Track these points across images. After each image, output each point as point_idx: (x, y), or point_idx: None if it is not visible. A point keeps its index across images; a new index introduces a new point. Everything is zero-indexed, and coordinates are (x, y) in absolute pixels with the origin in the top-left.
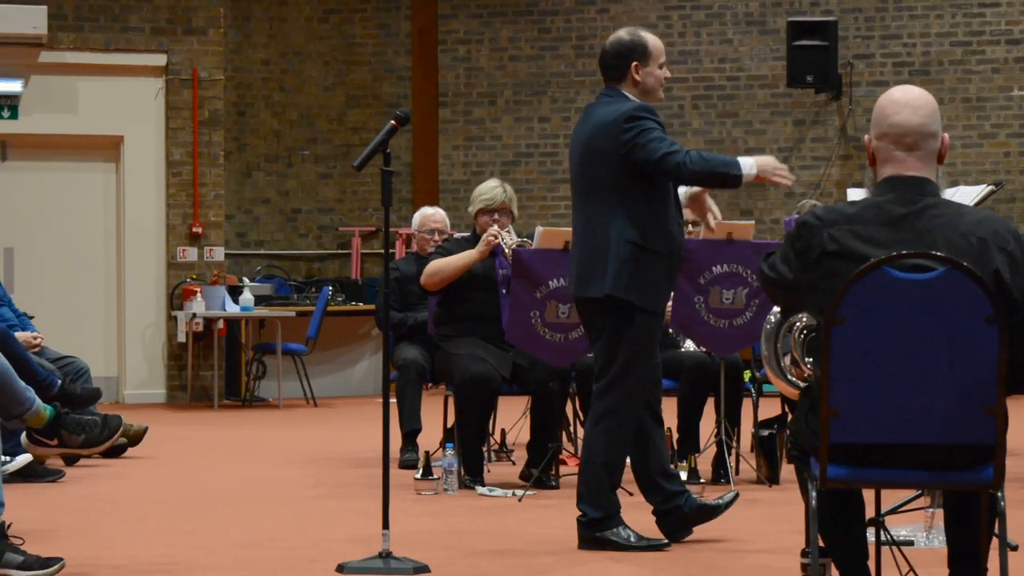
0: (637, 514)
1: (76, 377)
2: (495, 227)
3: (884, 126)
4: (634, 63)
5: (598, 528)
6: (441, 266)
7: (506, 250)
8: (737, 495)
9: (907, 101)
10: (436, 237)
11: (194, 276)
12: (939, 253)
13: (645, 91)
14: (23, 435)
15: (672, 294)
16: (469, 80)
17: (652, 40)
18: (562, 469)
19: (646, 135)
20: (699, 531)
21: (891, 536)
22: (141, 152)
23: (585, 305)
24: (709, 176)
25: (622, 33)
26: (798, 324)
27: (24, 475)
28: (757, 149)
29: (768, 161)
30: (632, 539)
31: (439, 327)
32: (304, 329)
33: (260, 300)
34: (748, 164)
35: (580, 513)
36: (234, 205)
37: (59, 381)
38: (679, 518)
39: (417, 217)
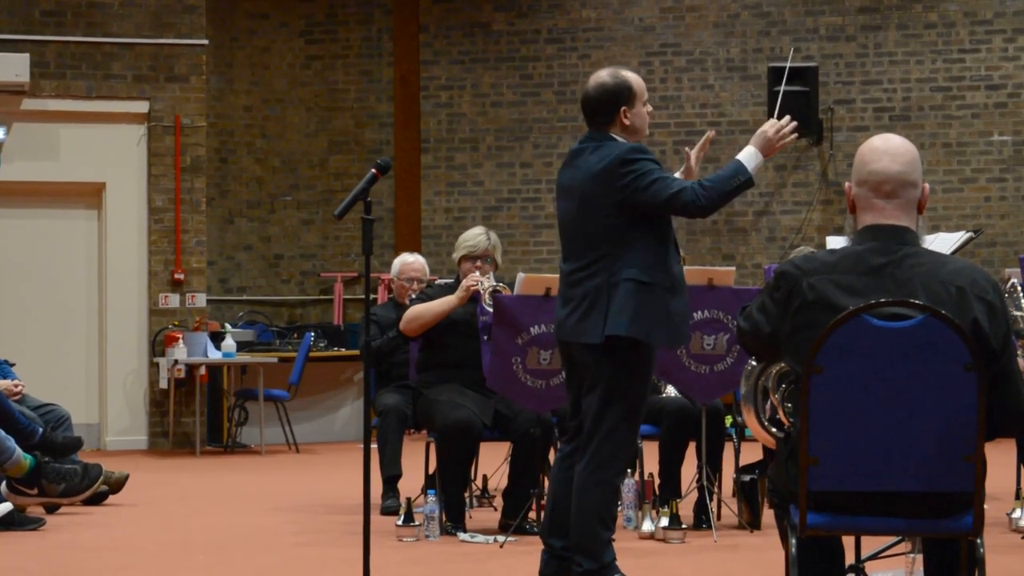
0: (631, 560)
1: (57, 425)
2: (476, 273)
3: (863, 173)
4: (622, 107)
5: None
6: (420, 312)
7: (484, 295)
8: None
9: (887, 149)
10: (415, 286)
11: (176, 322)
12: (917, 301)
13: (633, 132)
14: (3, 484)
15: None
16: (451, 126)
17: (635, 80)
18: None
19: (645, 178)
20: None
21: None
22: (123, 199)
23: (580, 351)
24: (723, 199)
25: (604, 76)
26: (775, 370)
27: (4, 524)
28: None
29: (765, 137)
30: None
31: (420, 373)
32: (286, 375)
33: (242, 346)
34: (750, 156)
35: (576, 564)
36: (216, 251)
37: (41, 429)
38: (563, 570)
39: (396, 264)
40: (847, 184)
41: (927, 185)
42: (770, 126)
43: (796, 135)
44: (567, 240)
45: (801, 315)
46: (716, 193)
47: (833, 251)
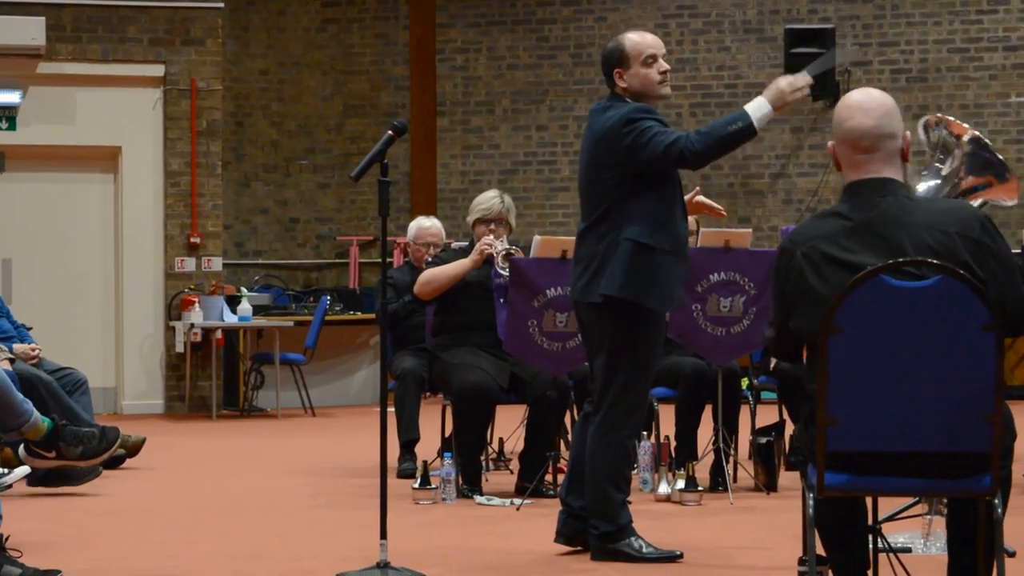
0: (647, 522)
1: (74, 388)
2: (490, 236)
3: (841, 131)
4: (615, 70)
5: (611, 540)
6: (434, 275)
7: (496, 258)
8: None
9: (859, 105)
10: (431, 251)
11: (192, 286)
12: (935, 261)
13: (637, 94)
14: (21, 447)
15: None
16: (467, 89)
17: (631, 41)
18: (560, 478)
19: (645, 134)
20: (699, 539)
21: (888, 543)
22: (139, 162)
23: (587, 312)
24: (718, 146)
25: (610, 40)
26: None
27: (58, 479)
28: (755, 156)
29: (778, 89)
30: (645, 550)
31: (436, 336)
32: (302, 339)
33: (258, 310)
34: (758, 107)
35: (593, 527)
36: (232, 215)
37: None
38: (581, 530)
39: (413, 227)
40: (830, 144)
41: (908, 133)
42: (784, 79)
43: (809, 93)
44: (580, 200)
45: (801, 285)
46: (711, 139)
47: (821, 215)
